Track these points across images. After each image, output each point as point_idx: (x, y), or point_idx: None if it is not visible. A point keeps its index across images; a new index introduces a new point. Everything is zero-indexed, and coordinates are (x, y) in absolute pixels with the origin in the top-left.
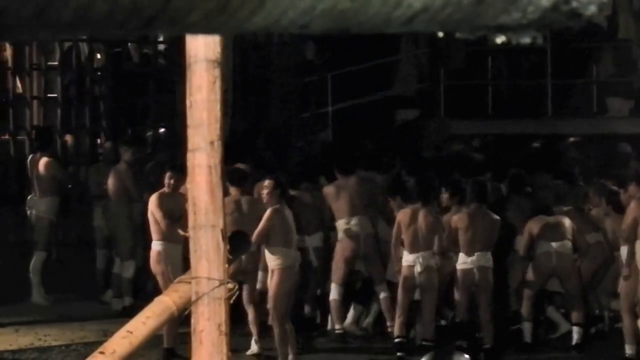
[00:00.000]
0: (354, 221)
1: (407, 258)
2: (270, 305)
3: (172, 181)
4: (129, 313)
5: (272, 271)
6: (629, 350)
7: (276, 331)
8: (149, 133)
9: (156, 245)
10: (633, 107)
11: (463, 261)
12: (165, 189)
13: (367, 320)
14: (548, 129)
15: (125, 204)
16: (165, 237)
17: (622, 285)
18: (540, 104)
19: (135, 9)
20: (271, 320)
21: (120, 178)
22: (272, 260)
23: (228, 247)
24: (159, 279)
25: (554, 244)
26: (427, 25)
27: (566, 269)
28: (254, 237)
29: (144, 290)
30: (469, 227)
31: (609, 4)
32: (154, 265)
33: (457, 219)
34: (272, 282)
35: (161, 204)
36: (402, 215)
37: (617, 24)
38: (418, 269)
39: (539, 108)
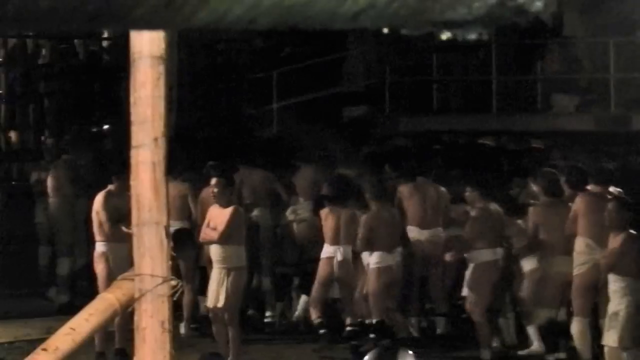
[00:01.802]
0: (255, 212)
1: (328, 250)
2: (219, 305)
3: (118, 180)
4: (67, 310)
5: (228, 271)
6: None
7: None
8: (94, 130)
9: (100, 246)
10: (578, 103)
11: (380, 259)
12: (112, 188)
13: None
14: (493, 125)
15: (65, 200)
16: (109, 237)
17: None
18: (486, 100)
19: (79, 5)
20: (215, 318)
21: (59, 175)
22: (226, 259)
23: (172, 244)
24: (101, 278)
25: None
26: (374, 22)
27: None
28: (218, 236)
29: (86, 287)
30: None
31: (554, 0)
32: (97, 265)
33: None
34: (228, 282)
35: (106, 203)
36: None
37: (562, 21)
38: (339, 258)
39: (484, 104)
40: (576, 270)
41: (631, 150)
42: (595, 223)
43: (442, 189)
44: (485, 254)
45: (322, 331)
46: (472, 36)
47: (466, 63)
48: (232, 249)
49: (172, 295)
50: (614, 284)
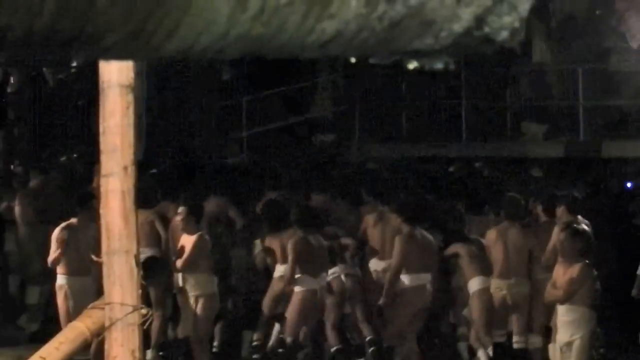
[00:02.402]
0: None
1: (280, 269)
2: (186, 331)
3: (82, 212)
4: (37, 338)
5: (196, 298)
6: None
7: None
8: (63, 158)
9: (61, 279)
10: (547, 131)
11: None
12: (73, 221)
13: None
14: (462, 152)
15: (32, 228)
16: (70, 271)
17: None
18: (455, 127)
19: (50, 34)
20: (194, 344)
21: (26, 202)
22: (194, 287)
23: (142, 272)
24: (61, 312)
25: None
26: (342, 50)
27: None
28: (181, 264)
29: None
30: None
31: (521, 29)
32: (59, 300)
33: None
34: (198, 309)
35: (68, 236)
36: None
37: (531, 48)
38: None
39: (453, 131)
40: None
41: (600, 177)
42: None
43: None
44: (410, 280)
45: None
46: (439, 65)
47: (436, 90)
48: (200, 277)
49: (143, 323)
50: (568, 314)
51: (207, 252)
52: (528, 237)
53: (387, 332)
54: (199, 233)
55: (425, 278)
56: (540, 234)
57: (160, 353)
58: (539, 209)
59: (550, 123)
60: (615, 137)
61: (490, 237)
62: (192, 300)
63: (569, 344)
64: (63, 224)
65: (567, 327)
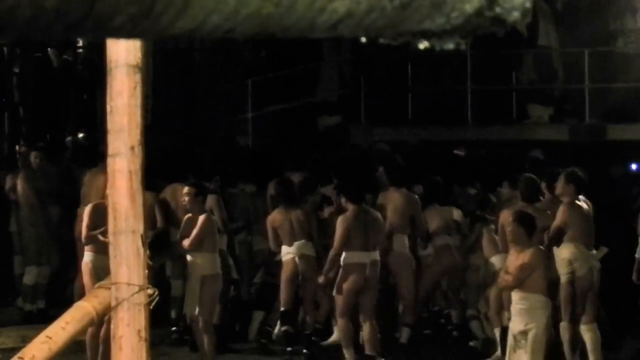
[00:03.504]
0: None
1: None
2: (195, 313)
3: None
4: (32, 319)
5: (202, 278)
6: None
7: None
8: (68, 138)
9: (87, 257)
10: (553, 113)
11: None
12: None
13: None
14: (468, 135)
15: (31, 209)
16: (95, 249)
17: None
18: (461, 111)
19: (59, 14)
20: (195, 327)
21: (27, 183)
22: (199, 267)
23: (148, 252)
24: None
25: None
26: (352, 31)
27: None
28: (189, 243)
29: (59, 296)
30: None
31: (530, 11)
32: (85, 277)
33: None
34: (201, 291)
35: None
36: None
37: (537, 31)
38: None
39: (459, 114)
40: (569, 277)
41: (605, 160)
42: (584, 230)
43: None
44: (352, 257)
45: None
46: (450, 46)
47: (441, 73)
48: (205, 257)
49: (149, 303)
50: (522, 302)
51: (213, 232)
52: (544, 218)
53: (336, 311)
54: (206, 214)
55: (367, 256)
56: (549, 211)
57: (173, 329)
58: (543, 186)
59: (555, 106)
60: (621, 120)
61: (506, 217)
62: (196, 281)
63: (523, 333)
64: (96, 202)
65: (521, 315)
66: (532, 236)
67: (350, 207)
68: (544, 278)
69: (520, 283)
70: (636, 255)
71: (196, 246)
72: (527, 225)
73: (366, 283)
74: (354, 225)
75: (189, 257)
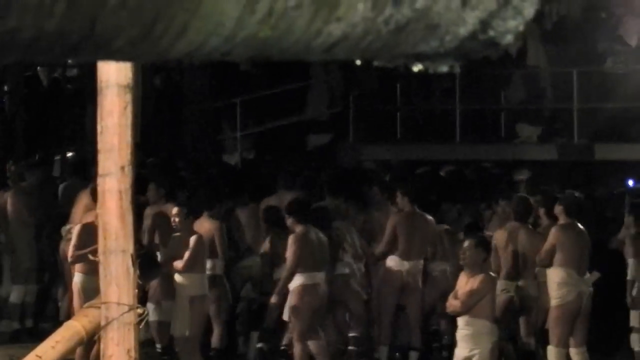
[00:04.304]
0: None
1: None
2: (183, 334)
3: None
4: (17, 338)
5: (191, 299)
6: None
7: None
8: (57, 157)
9: (77, 277)
10: (541, 133)
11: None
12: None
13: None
14: (456, 154)
15: (21, 227)
16: (86, 270)
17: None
18: (449, 129)
19: (60, 36)
20: (180, 348)
21: (17, 201)
22: (187, 288)
23: (138, 272)
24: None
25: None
26: (347, 54)
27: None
28: (182, 265)
29: (44, 314)
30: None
31: (522, 33)
32: (75, 297)
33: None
34: (192, 311)
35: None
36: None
37: (526, 51)
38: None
39: (447, 133)
40: (558, 301)
41: (594, 180)
42: (575, 254)
43: (428, 217)
44: (303, 278)
45: None
46: (444, 69)
47: (430, 92)
48: (194, 277)
49: (138, 323)
50: (468, 327)
51: (203, 253)
52: (536, 239)
53: (294, 331)
54: (197, 235)
55: (319, 277)
56: (546, 238)
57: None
58: (542, 211)
59: (544, 125)
60: (610, 139)
61: (499, 237)
62: (185, 302)
63: (467, 359)
64: (86, 222)
65: (466, 340)
66: (486, 261)
67: (298, 228)
68: (492, 304)
69: (468, 309)
70: (628, 278)
71: (187, 268)
72: (486, 251)
73: (321, 302)
74: (305, 245)
75: (177, 278)
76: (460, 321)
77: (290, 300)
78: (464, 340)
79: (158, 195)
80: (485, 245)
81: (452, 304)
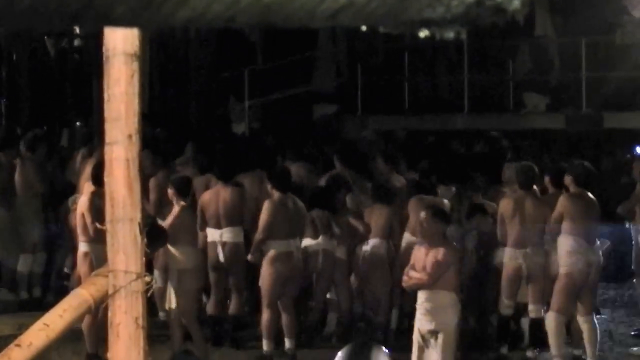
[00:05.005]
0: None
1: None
2: (173, 307)
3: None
4: (24, 307)
5: (179, 271)
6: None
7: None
8: (65, 127)
9: (83, 247)
10: (549, 102)
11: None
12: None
13: None
14: (465, 124)
15: (29, 197)
16: (92, 239)
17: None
18: (457, 100)
19: (61, 4)
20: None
21: (24, 172)
22: (176, 261)
23: (145, 240)
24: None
25: None
26: (352, 20)
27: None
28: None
29: (54, 285)
30: None
31: (529, 0)
32: (80, 266)
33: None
34: (178, 285)
35: (93, 204)
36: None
37: (533, 21)
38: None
39: (455, 104)
40: (566, 269)
41: (602, 149)
42: (584, 223)
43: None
44: (277, 246)
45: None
46: (450, 35)
47: (438, 62)
48: (182, 250)
49: (146, 291)
50: (432, 300)
51: (189, 224)
52: (543, 206)
53: (264, 298)
54: (182, 204)
55: (293, 244)
56: (551, 206)
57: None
58: (547, 180)
59: (552, 95)
60: (617, 109)
61: (505, 206)
62: (174, 275)
63: (432, 332)
64: (94, 191)
65: (431, 314)
66: (444, 233)
67: (276, 195)
68: (457, 275)
69: (435, 282)
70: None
71: (172, 239)
72: (444, 221)
73: (293, 271)
74: (279, 213)
75: (169, 250)
76: (422, 295)
77: (263, 267)
78: (428, 313)
79: (154, 165)
80: (442, 215)
81: (416, 276)
